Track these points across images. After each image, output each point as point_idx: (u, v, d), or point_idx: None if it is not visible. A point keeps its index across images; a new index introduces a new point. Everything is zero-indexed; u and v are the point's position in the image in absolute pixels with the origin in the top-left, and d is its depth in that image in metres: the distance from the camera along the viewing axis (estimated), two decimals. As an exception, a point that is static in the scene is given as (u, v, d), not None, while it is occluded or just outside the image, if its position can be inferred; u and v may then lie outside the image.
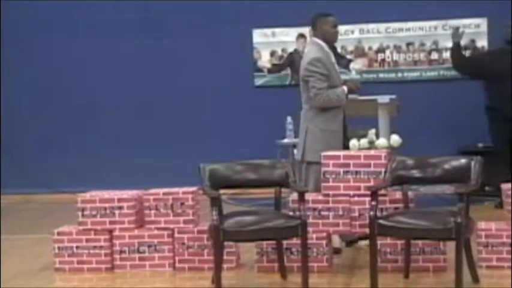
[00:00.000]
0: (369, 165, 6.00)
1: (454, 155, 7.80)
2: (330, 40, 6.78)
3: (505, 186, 6.06)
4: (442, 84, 10.18)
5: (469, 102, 9.24)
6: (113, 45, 10.68)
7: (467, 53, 9.67)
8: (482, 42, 10.06)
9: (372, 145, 7.79)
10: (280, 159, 6.28)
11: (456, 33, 8.85)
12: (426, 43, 10.28)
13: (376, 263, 5.36)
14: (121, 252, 6.31)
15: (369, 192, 5.59)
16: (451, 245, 5.43)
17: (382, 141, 7.90)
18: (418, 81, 10.28)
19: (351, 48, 10.31)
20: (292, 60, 10.59)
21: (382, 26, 10.31)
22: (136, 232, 6.31)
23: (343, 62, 10.13)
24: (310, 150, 6.52)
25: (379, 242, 5.56)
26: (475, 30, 10.08)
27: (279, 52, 10.62)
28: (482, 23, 10.09)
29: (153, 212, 6.29)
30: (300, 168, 6.67)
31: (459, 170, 5.62)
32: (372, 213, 5.38)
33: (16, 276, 6.26)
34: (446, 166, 5.71)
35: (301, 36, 10.50)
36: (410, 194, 5.92)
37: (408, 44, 10.33)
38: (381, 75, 10.29)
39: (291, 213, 5.83)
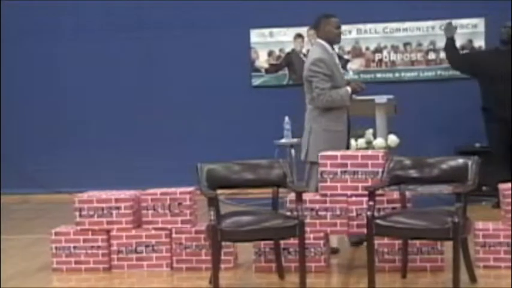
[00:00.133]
0: (366, 165, 6.01)
1: (451, 155, 7.81)
2: (334, 41, 6.83)
3: (502, 186, 6.07)
4: (440, 84, 10.18)
5: (466, 103, 9.24)
6: (110, 46, 10.67)
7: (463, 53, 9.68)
8: (480, 43, 10.06)
9: (369, 145, 7.82)
10: (277, 159, 6.28)
11: (449, 28, 8.85)
12: (423, 43, 10.29)
13: (373, 263, 5.37)
14: (118, 252, 6.30)
15: (366, 192, 5.59)
16: (448, 245, 5.44)
17: (379, 141, 7.93)
18: (416, 81, 10.28)
19: (348, 48, 10.32)
20: (289, 60, 10.59)
21: (380, 26, 10.32)
22: (133, 232, 6.31)
23: (341, 62, 10.08)
24: (314, 150, 6.53)
25: (376, 242, 5.58)
26: (473, 31, 10.09)
27: (277, 52, 10.62)
28: (479, 23, 10.09)
29: (150, 212, 6.29)
30: (303, 168, 6.69)
31: (456, 170, 5.63)
32: (369, 213, 5.39)
33: (13, 277, 6.26)
34: (444, 166, 5.72)
35: (299, 36, 10.50)
36: (407, 194, 5.92)
37: (405, 44, 10.33)
38: (378, 75, 10.29)
39: (288, 213, 5.83)
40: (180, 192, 6.28)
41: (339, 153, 6.14)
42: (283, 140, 8.83)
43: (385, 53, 10.36)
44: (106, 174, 10.10)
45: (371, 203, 5.45)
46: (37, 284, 6.06)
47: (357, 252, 6.52)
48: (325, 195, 6.04)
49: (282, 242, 5.89)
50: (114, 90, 10.73)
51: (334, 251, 6.48)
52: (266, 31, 10.57)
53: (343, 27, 7.09)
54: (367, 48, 10.37)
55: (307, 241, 5.68)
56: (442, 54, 9.82)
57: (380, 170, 5.89)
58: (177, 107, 10.58)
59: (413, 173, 5.75)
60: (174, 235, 6.25)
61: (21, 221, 9.23)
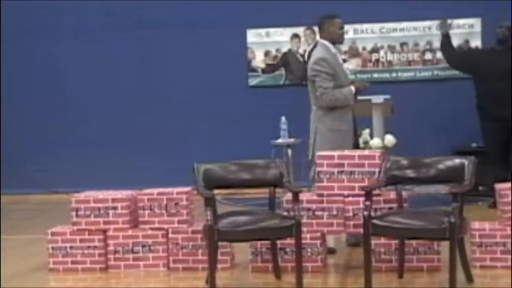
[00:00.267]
0: (363, 165, 6.01)
1: (448, 155, 7.83)
2: (337, 41, 6.89)
3: (499, 186, 6.07)
4: (436, 84, 10.19)
5: (463, 103, 9.25)
6: (110, 46, 10.68)
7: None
8: (476, 42, 10.07)
9: (366, 145, 7.82)
10: (274, 159, 6.28)
11: (444, 24, 8.86)
12: (420, 43, 10.30)
13: (370, 263, 5.37)
14: (115, 252, 6.30)
15: (363, 192, 5.59)
16: (445, 245, 5.44)
17: (376, 141, 7.93)
18: (412, 81, 10.30)
19: (345, 48, 10.31)
20: (286, 61, 10.59)
21: (376, 26, 10.33)
22: (130, 232, 6.30)
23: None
24: (321, 149, 6.54)
25: (373, 242, 5.57)
26: (469, 31, 10.10)
27: (273, 52, 10.63)
28: (476, 23, 10.10)
29: (147, 212, 6.28)
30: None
31: (453, 170, 5.63)
32: (366, 213, 5.39)
33: (10, 277, 6.25)
34: (440, 166, 5.72)
35: (296, 36, 10.51)
36: (404, 194, 5.92)
37: (402, 44, 10.34)
38: (375, 75, 10.30)
39: (285, 213, 5.83)
40: (176, 192, 6.27)
41: (335, 153, 6.14)
42: (279, 140, 8.83)
43: (381, 53, 10.37)
44: (106, 174, 10.11)
45: (368, 203, 5.45)
46: (34, 284, 6.05)
47: (354, 252, 6.52)
48: (321, 195, 6.04)
49: (278, 242, 5.89)
50: (114, 90, 10.73)
51: (331, 251, 6.49)
52: (263, 31, 10.57)
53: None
54: (364, 48, 10.38)
55: (303, 241, 5.68)
56: (439, 54, 9.83)
57: (377, 170, 5.89)
58: (174, 107, 10.58)
59: (410, 173, 5.75)
60: (170, 235, 6.25)
61: (17, 221, 9.23)
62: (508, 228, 5.89)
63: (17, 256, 7.06)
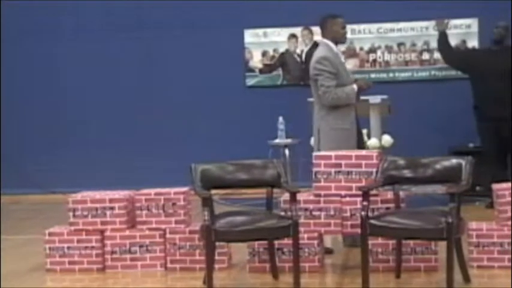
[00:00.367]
0: (360, 166, 6.01)
1: (445, 155, 7.83)
2: (340, 41, 6.91)
3: (496, 186, 6.08)
4: (433, 84, 10.20)
5: (460, 103, 9.25)
6: (110, 46, 10.66)
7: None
8: (473, 43, 10.07)
9: (363, 145, 7.81)
10: (272, 159, 6.28)
11: (441, 23, 8.87)
12: (417, 43, 10.30)
13: (367, 263, 5.37)
14: (112, 252, 6.30)
15: (360, 192, 5.59)
16: (442, 245, 5.45)
17: (373, 142, 7.94)
18: (410, 81, 10.29)
19: (342, 48, 10.28)
20: (283, 61, 10.59)
21: (374, 27, 10.33)
22: (127, 232, 6.30)
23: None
24: (325, 149, 6.54)
25: (370, 242, 5.57)
26: (466, 31, 10.10)
27: (271, 52, 10.62)
28: (473, 23, 10.11)
29: (144, 212, 6.28)
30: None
31: (450, 170, 5.63)
32: (363, 213, 5.39)
33: (7, 277, 6.24)
34: (438, 166, 5.72)
35: (293, 36, 10.50)
36: (401, 194, 5.92)
37: (399, 45, 10.34)
38: (372, 75, 10.29)
39: (282, 214, 5.83)
40: (174, 192, 6.27)
41: (332, 153, 6.14)
42: (277, 140, 8.83)
43: (379, 53, 10.37)
44: (106, 174, 10.11)
45: (365, 203, 5.45)
46: (31, 284, 6.05)
47: (351, 252, 6.52)
48: (319, 195, 6.04)
49: (276, 242, 5.89)
50: (114, 90, 10.72)
51: (328, 252, 6.49)
52: (260, 31, 10.57)
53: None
54: (361, 49, 10.38)
55: (301, 241, 5.68)
56: (436, 55, 9.84)
57: (374, 170, 5.89)
58: (172, 107, 10.58)
59: (407, 173, 5.76)
60: (168, 235, 6.25)
61: (15, 221, 9.21)
62: (506, 228, 5.89)
63: (13, 256, 7.05)
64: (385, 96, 8.15)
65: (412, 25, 10.27)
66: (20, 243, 7.69)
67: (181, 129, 10.52)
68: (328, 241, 6.51)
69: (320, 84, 6.65)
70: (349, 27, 10.04)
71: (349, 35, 10.12)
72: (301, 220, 5.81)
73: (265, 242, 5.89)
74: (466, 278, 5.53)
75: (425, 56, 10.28)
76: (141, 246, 6.26)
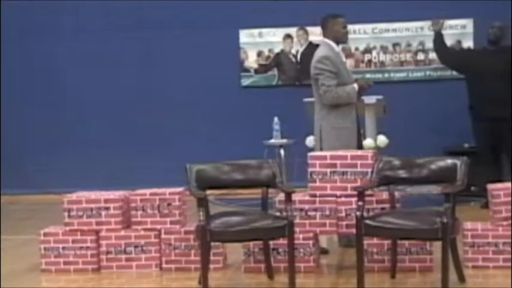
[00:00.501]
0: (355, 166, 6.01)
1: (440, 155, 7.84)
2: (341, 40, 6.91)
3: (491, 186, 6.08)
4: (429, 84, 10.21)
5: (455, 103, 9.26)
6: (110, 46, 10.66)
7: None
8: (468, 43, 10.08)
9: (358, 145, 7.81)
10: (267, 159, 6.28)
11: (436, 23, 8.88)
12: (412, 44, 10.31)
13: (362, 263, 5.38)
14: (107, 253, 6.29)
15: (355, 193, 5.60)
16: (437, 245, 5.45)
17: (368, 142, 7.94)
18: (405, 81, 10.31)
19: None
20: (279, 61, 10.60)
21: (369, 27, 10.34)
22: (122, 233, 6.29)
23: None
24: (326, 148, 6.55)
25: (365, 242, 5.57)
26: (461, 31, 10.12)
27: (266, 52, 10.62)
28: (468, 23, 10.12)
29: (139, 212, 6.28)
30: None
31: (445, 170, 5.64)
32: (358, 213, 5.40)
33: (7, 277, 6.23)
34: (433, 166, 5.73)
35: (288, 36, 10.51)
36: (396, 194, 5.93)
37: (395, 45, 10.35)
38: (368, 75, 10.29)
39: (277, 214, 5.83)
40: (169, 192, 6.27)
41: (328, 153, 6.15)
42: (272, 141, 8.84)
43: (374, 53, 10.38)
44: (106, 174, 10.11)
45: (360, 203, 5.46)
46: (26, 284, 6.04)
47: (346, 252, 6.53)
48: (314, 195, 6.04)
49: (271, 242, 5.89)
50: (114, 90, 10.72)
51: (324, 252, 6.49)
52: (255, 31, 10.57)
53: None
54: (357, 49, 10.38)
55: (296, 241, 5.67)
56: (431, 55, 9.85)
57: (369, 170, 5.89)
58: (167, 108, 10.58)
59: (402, 174, 5.76)
60: (163, 235, 6.25)
61: (10, 222, 9.19)
62: (500, 229, 5.90)
63: (8, 257, 7.02)
64: (380, 97, 8.16)
65: (407, 25, 10.28)
66: (19, 243, 7.68)
67: (179, 129, 10.52)
68: (323, 241, 6.51)
69: (321, 84, 6.66)
70: (345, 27, 10.19)
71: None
72: (297, 220, 5.81)
73: (261, 242, 5.89)
74: (461, 278, 5.54)
75: (421, 56, 10.29)
76: (136, 247, 6.26)
